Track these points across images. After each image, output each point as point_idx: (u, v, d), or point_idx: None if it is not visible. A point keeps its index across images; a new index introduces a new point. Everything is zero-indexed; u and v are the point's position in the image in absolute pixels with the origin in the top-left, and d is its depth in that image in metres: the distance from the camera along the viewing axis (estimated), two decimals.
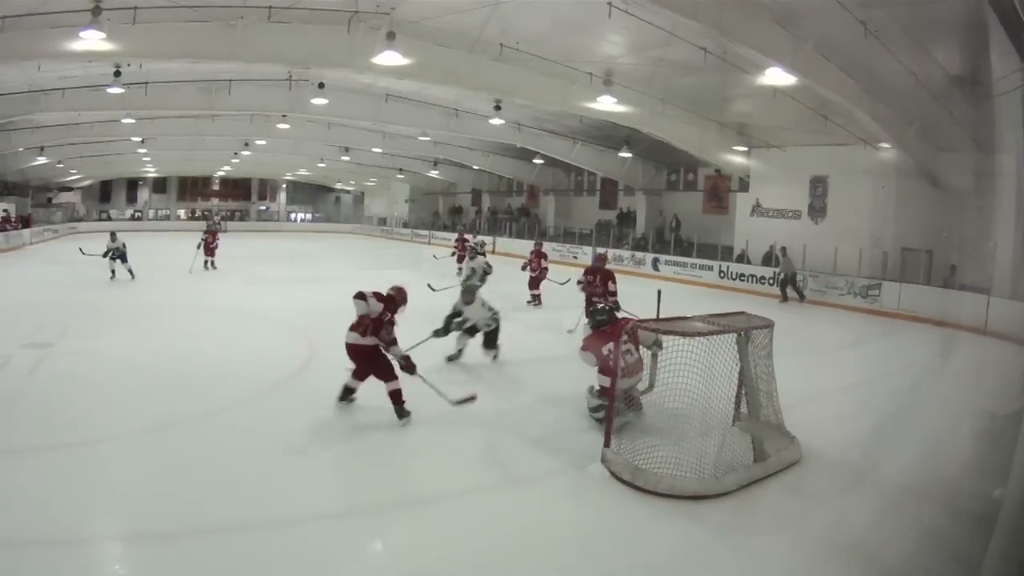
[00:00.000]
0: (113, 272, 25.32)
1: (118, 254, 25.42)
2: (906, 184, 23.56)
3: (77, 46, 18.09)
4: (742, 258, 29.81)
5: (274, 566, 6.37)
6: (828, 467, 9.03)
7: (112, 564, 6.59)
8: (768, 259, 28.31)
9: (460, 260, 29.42)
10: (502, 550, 6.79)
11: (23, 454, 8.67)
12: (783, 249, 25.91)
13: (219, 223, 60.84)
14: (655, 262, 33.94)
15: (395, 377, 10.34)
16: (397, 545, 7.04)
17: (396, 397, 10.28)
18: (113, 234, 25.85)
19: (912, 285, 22.49)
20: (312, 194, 77.95)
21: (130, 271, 25.47)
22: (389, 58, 18.70)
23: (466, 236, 31.16)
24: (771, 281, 26.68)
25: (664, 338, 9.27)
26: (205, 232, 30.38)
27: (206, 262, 29.52)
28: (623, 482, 8.28)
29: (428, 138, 41.06)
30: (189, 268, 28.31)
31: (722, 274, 29.79)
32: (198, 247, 29.25)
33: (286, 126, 37.69)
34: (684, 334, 8.69)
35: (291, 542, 6.76)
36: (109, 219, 59.66)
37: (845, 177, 26.20)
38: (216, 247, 29.84)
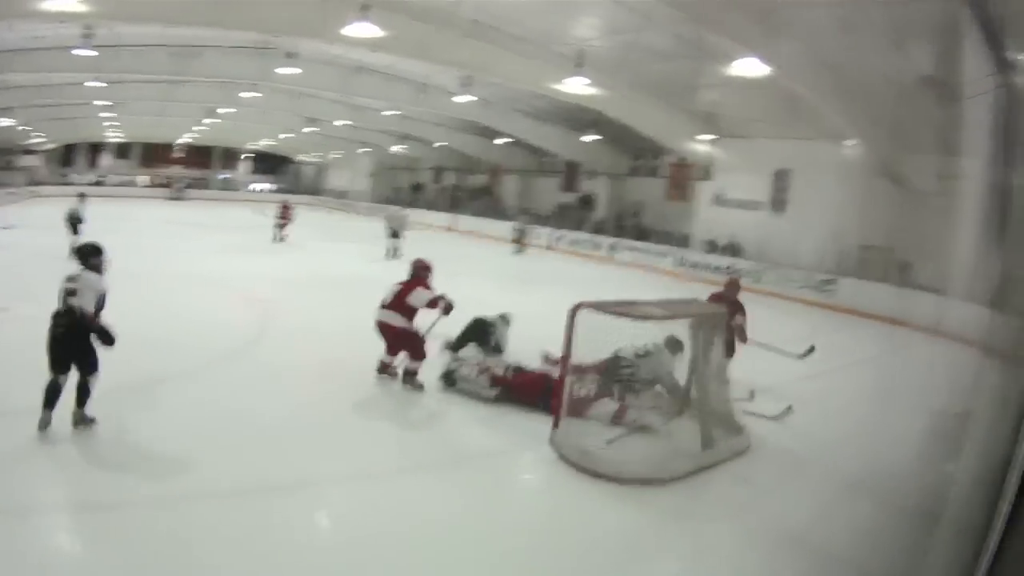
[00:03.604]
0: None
1: (76, 221, 22.51)
2: (869, 182, 23.74)
3: (49, 5, 17.85)
4: (712, 248, 29.88)
5: (212, 537, 6.30)
6: (776, 457, 9.20)
7: (57, 533, 6.40)
8: (731, 250, 28.60)
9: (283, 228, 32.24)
10: (446, 529, 6.76)
11: None
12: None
13: (182, 191, 60.45)
14: (612, 247, 34.20)
15: (422, 357, 10.93)
16: (339, 519, 7.07)
17: (413, 373, 10.88)
18: (82, 195, 23.86)
19: (868, 282, 22.75)
20: (274, 164, 77.24)
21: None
22: (362, 29, 18.60)
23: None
24: (728, 271, 26.65)
25: (620, 323, 8.85)
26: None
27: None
28: (571, 464, 8.32)
29: (396, 112, 40.80)
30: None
31: (678, 262, 29.96)
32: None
33: (254, 94, 37.46)
34: (636, 317, 8.70)
35: (229, 512, 6.80)
36: (71, 184, 58.62)
37: (809, 171, 26.35)
38: None
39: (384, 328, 11.02)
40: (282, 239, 31.40)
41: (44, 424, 7.94)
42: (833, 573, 6.36)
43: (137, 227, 31.98)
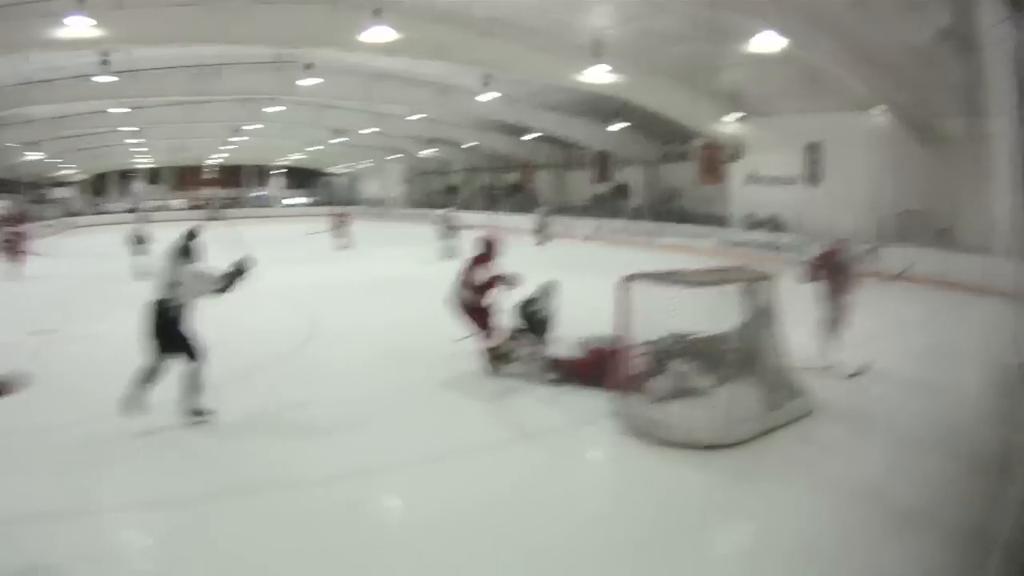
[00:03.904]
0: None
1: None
2: (901, 148, 23.44)
3: (64, 34, 17.98)
4: (752, 224, 29.58)
5: (291, 523, 6.55)
6: (838, 417, 9.20)
7: (132, 530, 6.78)
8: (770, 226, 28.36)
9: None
10: (518, 503, 6.96)
11: (36, 433, 8.86)
12: None
13: (216, 211, 60.94)
14: (653, 233, 33.87)
15: (489, 334, 11.14)
16: (412, 500, 7.21)
17: (492, 352, 11.13)
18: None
19: (910, 247, 22.32)
20: (306, 179, 77.59)
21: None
22: (377, 34, 18.62)
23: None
24: (770, 247, 26.50)
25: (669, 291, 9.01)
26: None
27: None
28: (638, 434, 8.48)
29: (421, 116, 40.87)
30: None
31: (720, 242, 29.63)
32: None
33: (278, 108, 37.74)
34: (688, 284, 8.80)
35: (307, 501, 7.05)
36: (106, 212, 59.06)
37: (840, 143, 25.94)
38: None
39: (456, 305, 11.24)
40: (345, 247, 32.38)
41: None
42: (905, 525, 6.26)
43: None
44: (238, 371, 11.37)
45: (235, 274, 8.96)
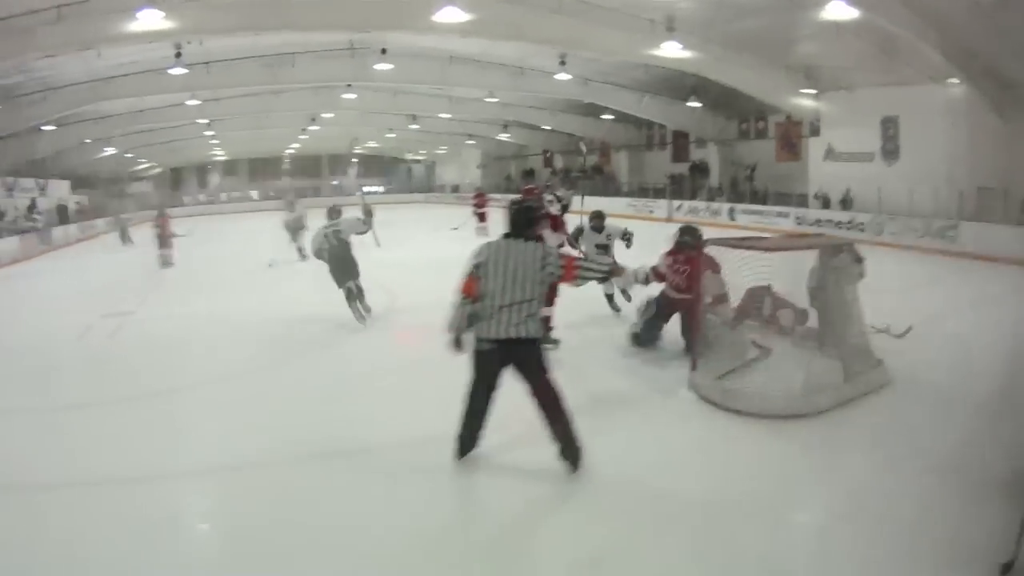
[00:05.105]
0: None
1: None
2: (978, 121, 22.87)
3: (135, 27, 18.34)
4: (823, 204, 29.19)
5: (352, 488, 6.77)
6: (916, 390, 8.97)
7: (202, 493, 7.08)
8: (845, 203, 27.90)
9: (482, 219, 30.89)
10: (593, 474, 6.78)
11: (109, 405, 9.48)
12: None
13: (294, 201, 61.28)
14: (731, 212, 33.69)
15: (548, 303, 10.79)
16: (488, 471, 7.12)
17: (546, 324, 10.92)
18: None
19: (989, 224, 21.78)
20: (383, 166, 78.30)
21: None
22: (450, 14, 18.70)
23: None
24: (848, 225, 26.11)
25: (748, 260, 9.04)
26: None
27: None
28: (713, 404, 8.45)
29: (495, 100, 41.09)
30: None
31: (799, 220, 29.23)
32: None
33: (352, 96, 38.02)
34: (768, 249, 8.85)
35: (368, 469, 7.22)
36: (183, 206, 60.00)
37: (916, 117, 25.42)
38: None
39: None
40: (482, 230, 29.21)
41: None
42: (984, 495, 6.16)
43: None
44: None
45: None
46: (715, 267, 9.38)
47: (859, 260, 10.07)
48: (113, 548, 5.75)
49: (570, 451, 6.68)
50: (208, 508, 6.86)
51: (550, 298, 10.66)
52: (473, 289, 6.63)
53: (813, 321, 10.07)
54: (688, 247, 10.72)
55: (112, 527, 6.08)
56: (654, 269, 10.30)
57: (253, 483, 6.96)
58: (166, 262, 24.47)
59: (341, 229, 13.34)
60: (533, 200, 10.54)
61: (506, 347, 6.56)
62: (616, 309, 13.43)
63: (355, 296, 13.30)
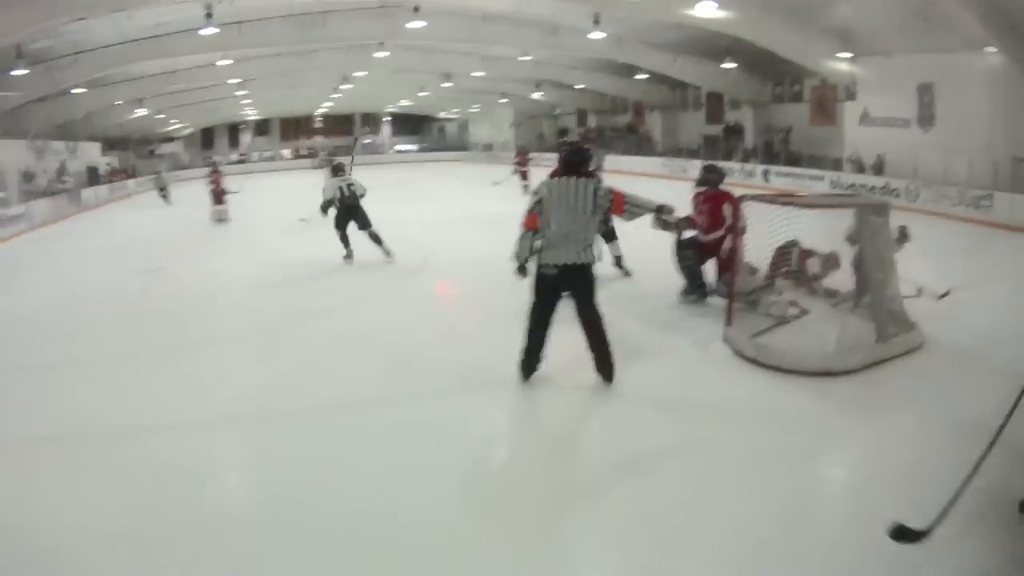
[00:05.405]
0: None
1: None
2: (1015, 92, 22.35)
3: None
4: (857, 168, 28.91)
5: (360, 443, 7.05)
6: (951, 353, 9.02)
7: (228, 441, 7.45)
8: (878, 168, 27.62)
9: (524, 177, 30.89)
10: (628, 423, 7.22)
11: (141, 357, 9.95)
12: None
13: (324, 160, 61.36)
14: (765, 174, 33.45)
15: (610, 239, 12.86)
16: (525, 420, 7.77)
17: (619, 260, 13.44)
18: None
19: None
20: (416, 125, 78.03)
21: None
22: None
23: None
24: (883, 191, 25.80)
25: (783, 216, 9.31)
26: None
27: None
28: (746, 359, 8.61)
29: (528, 58, 40.85)
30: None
31: (833, 184, 28.94)
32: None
33: (384, 54, 37.83)
34: (804, 206, 9.04)
35: (377, 426, 7.44)
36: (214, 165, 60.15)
37: (953, 84, 24.91)
38: None
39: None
40: (526, 187, 28.77)
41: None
42: (1016, 457, 6.07)
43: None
44: None
45: None
46: (734, 202, 9.72)
47: (905, 237, 10.18)
48: (154, 493, 6.05)
49: (605, 365, 7.81)
50: (243, 456, 7.17)
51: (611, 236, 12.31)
52: (535, 223, 7.52)
53: (849, 282, 10.08)
54: (710, 184, 11.19)
55: (149, 474, 6.41)
56: (687, 217, 10.87)
57: (289, 431, 7.35)
58: (221, 218, 25.12)
59: (354, 184, 15.45)
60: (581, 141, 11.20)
61: (566, 272, 7.50)
62: (627, 273, 13.60)
63: (378, 239, 15.51)
